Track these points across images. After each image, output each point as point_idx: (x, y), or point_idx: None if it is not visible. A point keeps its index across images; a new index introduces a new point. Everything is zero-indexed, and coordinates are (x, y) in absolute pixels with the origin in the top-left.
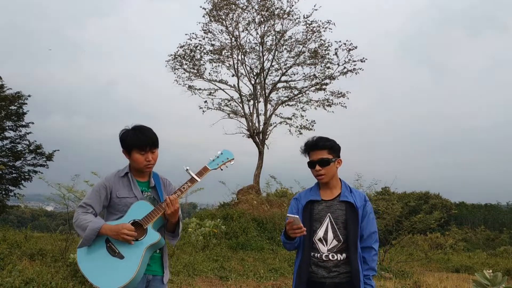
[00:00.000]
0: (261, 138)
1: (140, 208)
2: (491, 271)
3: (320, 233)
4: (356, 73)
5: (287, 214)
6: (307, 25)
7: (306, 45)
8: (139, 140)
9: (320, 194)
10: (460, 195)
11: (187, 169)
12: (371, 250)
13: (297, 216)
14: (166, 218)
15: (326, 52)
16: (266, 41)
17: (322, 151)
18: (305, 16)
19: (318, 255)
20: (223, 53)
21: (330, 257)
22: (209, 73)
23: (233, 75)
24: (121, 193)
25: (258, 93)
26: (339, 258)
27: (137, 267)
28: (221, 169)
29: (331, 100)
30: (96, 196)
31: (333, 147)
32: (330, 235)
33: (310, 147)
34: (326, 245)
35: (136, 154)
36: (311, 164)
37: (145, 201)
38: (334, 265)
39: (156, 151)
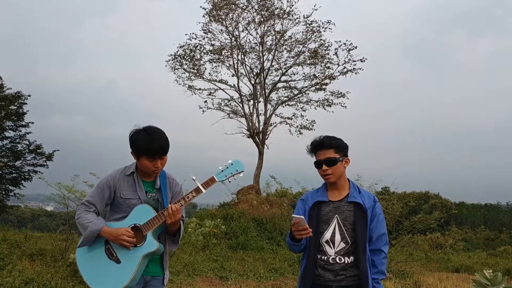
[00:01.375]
0: (261, 138)
1: (142, 212)
2: (491, 271)
3: (327, 235)
4: (356, 73)
5: (293, 215)
6: (307, 25)
7: (306, 45)
8: (149, 147)
9: (328, 195)
10: (460, 195)
11: (193, 179)
12: (380, 253)
13: (303, 217)
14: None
15: (326, 52)
16: (266, 41)
17: (328, 150)
18: (305, 16)
19: (325, 257)
20: (223, 53)
21: (337, 260)
22: (209, 73)
23: (233, 75)
24: (125, 193)
25: (258, 93)
26: (346, 261)
27: (132, 275)
28: (229, 181)
29: (331, 100)
30: (99, 195)
31: (340, 146)
32: (338, 237)
33: (316, 146)
34: (334, 247)
35: (145, 160)
36: (318, 164)
37: (148, 205)
38: (341, 268)
39: (166, 156)
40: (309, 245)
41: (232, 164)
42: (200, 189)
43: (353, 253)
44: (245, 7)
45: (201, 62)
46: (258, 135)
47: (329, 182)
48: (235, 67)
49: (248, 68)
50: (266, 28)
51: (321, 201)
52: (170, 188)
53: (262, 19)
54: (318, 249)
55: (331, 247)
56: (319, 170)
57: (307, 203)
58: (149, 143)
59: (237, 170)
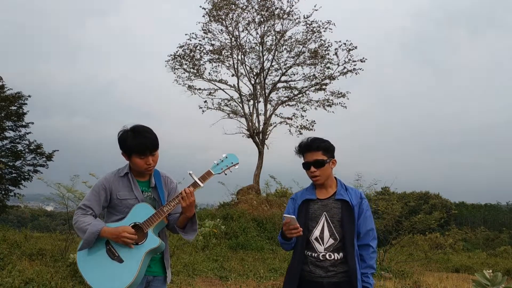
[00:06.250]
0: (261, 138)
1: (141, 210)
2: (491, 271)
3: (316, 232)
4: (356, 73)
5: (284, 215)
6: (307, 25)
7: (306, 45)
8: (138, 145)
9: (316, 193)
10: (460, 195)
11: (190, 173)
12: (368, 248)
13: (294, 217)
14: (181, 212)
15: (326, 52)
16: (266, 41)
17: (316, 153)
18: (305, 16)
19: (315, 254)
20: (223, 53)
21: (327, 256)
22: (209, 73)
23: (233, 75)
24: (121, 194)
25: (258, 93)
26: (336, 258)
27: (136, 272)
28: (225, 174)
29: (331, 100)
30: (95, 198)
31: (327, 148)
32: (326, 233)
33: (305, 148)
34: (323, 244)
35: (136, 158)
36: (306, 166)
37: (146, 203)
38: (331, 264)
39: (157, 153)
40: (296, 241)
41: (226, 157)
42: (197, 183)
43: (342, 249)
44: (245, 7)
45: (201, 62)
46: (258, 135)
47: (317, 183)
48: (235, 67)
49: (248, 68)
50: (266, 28)
51: (309, 199)
52: (165, 186)
53: (262, 19)
54: (308, 246)
55: (320, 244)
56: (307, 171)
57: (297, 202)
58: (138, 141)
59: (232, 163)
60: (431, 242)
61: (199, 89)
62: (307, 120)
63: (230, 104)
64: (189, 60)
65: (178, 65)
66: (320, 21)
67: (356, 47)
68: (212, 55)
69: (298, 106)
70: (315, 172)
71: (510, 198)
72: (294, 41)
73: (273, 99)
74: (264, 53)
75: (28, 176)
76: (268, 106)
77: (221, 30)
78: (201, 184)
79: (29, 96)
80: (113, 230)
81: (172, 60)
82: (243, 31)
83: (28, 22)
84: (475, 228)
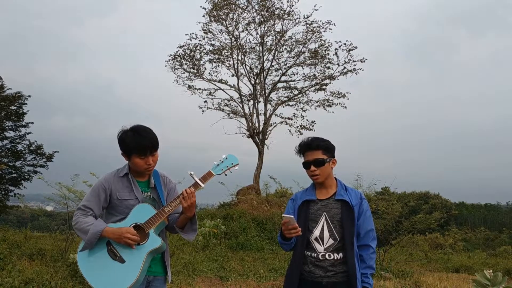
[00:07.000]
0: (261, 138)
1: (142, 211)
2: (491, 271)
3: (316, 232)
4: (356, 73)
5: (283, 215)
6: (307, 25)
7: (306, 45)
8: (138, 145)
9: (316, 193)
10: (460, 195)
11: (191, 174)
12: (368, 248)
13: (292, 216)
14: (181, 212)
15: (326, 52)
16: (266, 41)
17: (316, 152)
18: (305, 16)
19: (315, 254)
20: (223, 53)
21: (327, 256)
22: (209, 73)
23: (233, 75)
24: (121, 195)
25: (258, 93)
26: (335, 258)
27: (138, 272)
28: (225, 174)
29: (331, 100)
30: (95, 198)
31: (327, 147)
32: (326, 234)
33: (305, 147)
34: (323, 244)
35: (136, 158)
36: (306, 165)
37: (147, 204)
38: (330, 264)
39: (157, 153)
40: (296, 242)
41: (226, 158)
42: (198, 184)
43: (342, 249)
44: (245, 7)
45: (201, 62)
46: (258, 135)
47: (317, 182)
48: (235, 67)
49: (248, 68)
50: (266, 28)
51: (309, 199)
52: (164, 186)
53: (262, 19)
54: (308, 246)
55: (320, 244)
56: (307, 170)
57: (297, 203)
58: (139, 141)
59: (232, 164)
60: (431, 242)
61: (199, 89)
62: (307, 120)
63: (230, 104)
64: (189, 60)
65: (178, 65)
66: (320, 21)
67: (356, 47)
68: (212, 55)
69: (298, 106)
70: (315, 171)
71: (510, 198)
72: (294, 41)
73: (273, 99)
74: (264, 53)
75: (28, 176)
76: (268, 106)
77: (221, 30)
78: (202, 185)
79: (29, 96)
80: (115, 230)
81: (172, 60)
82: (243, 31)
83: (27, 21)
84: (475, 228)
